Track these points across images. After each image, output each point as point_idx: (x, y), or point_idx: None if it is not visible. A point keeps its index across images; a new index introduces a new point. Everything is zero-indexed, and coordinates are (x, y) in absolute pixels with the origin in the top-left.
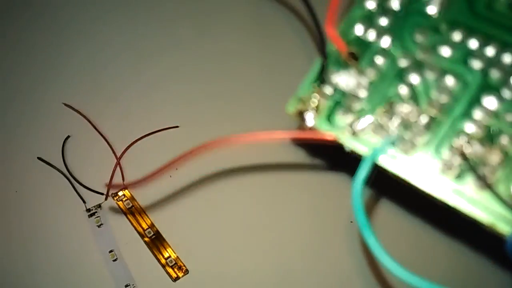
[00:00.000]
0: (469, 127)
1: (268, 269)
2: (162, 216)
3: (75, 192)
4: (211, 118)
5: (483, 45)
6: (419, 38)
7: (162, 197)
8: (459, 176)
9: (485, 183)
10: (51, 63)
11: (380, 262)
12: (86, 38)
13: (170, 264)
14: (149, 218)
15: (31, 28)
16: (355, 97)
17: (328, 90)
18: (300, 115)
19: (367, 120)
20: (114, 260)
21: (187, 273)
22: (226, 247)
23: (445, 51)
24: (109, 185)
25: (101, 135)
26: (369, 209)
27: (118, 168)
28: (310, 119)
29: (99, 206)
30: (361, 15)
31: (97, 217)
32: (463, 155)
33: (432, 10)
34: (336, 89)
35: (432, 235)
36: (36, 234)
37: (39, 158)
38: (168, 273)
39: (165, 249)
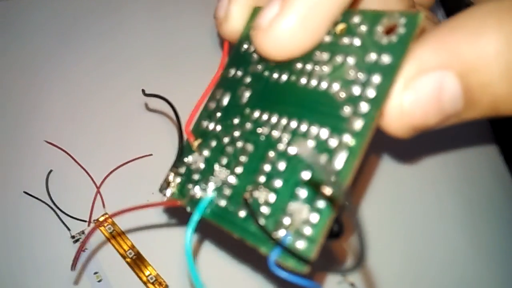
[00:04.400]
0: (257, 177)
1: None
2: (142, 237)
3: (60, 221)
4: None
5: (269, 117)
6: (234, 122)
7: (140, 220)
8: (246, 216)
9: (255, 218)
10: (30, 103)
11: None
12: (60, 77)
13: (151, 281)
14: (129, 240)
15: (9, 69)
16: (196, 171)
17: (182, 170)
18: (163, 191)
19: (198, 187)
20: (99, 281)
21: None
22: (200, 262)
23: (247, 127)
24: (91, 213)
25: (81, 167)
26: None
27: (98, 197)
28: (168, 193)
29: (83, 232)
30: (205, 114)
31: (82, 241)
32: (246, 199)
33: (243, 101)
34: (186, 168)
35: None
36: (25, 262)
37: (25, 192)
38: None
39: (146, 268)
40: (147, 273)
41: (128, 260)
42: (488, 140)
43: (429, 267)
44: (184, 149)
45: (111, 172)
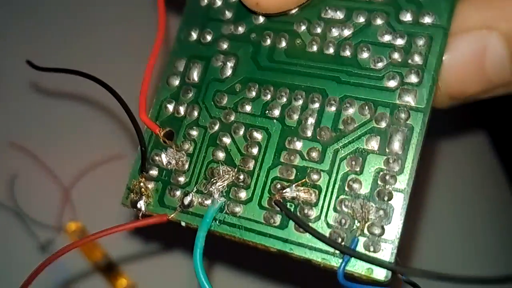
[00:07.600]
0: (282, 172)
1: None
2: (115, 245)
3: (27, 229)
4: None
5: (275, 94)
6: (221, 102)
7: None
8: (282, 223)
9: (305, 225)
10: None
11: None
12: (22, 78)
13: None
14: (101, 249)
15: None
16: (178, 172)
17: (153, 173)
18: (134, 204)
19: (192, 193)
20: None
21: None
22: (173, 269)
23: (246, 108)
24: (60, 219)
25: (49, 170)
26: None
27: (67, 201)
28: (142, 206)
29: (52, 240)
30: (167, 94)
31: (51, 251)
32: (280, 202)
33: (226, 74)
34: (160, 170)
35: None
36: None
37: None
38: None
39: (120, 276)
40: (120, 282)
41: (100, 269)
42: None
43: None
44: (149, 144)
45: (80, 175)
